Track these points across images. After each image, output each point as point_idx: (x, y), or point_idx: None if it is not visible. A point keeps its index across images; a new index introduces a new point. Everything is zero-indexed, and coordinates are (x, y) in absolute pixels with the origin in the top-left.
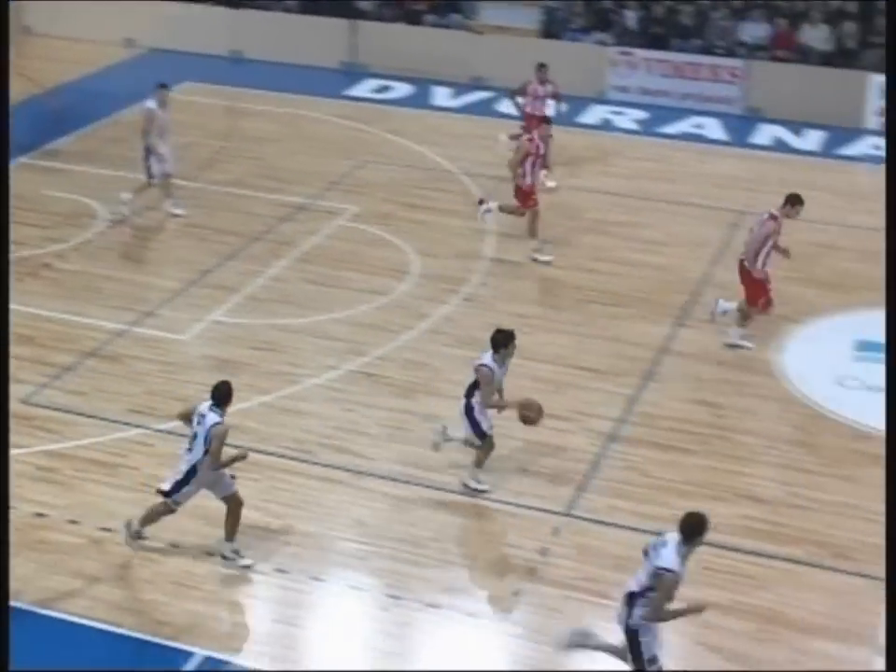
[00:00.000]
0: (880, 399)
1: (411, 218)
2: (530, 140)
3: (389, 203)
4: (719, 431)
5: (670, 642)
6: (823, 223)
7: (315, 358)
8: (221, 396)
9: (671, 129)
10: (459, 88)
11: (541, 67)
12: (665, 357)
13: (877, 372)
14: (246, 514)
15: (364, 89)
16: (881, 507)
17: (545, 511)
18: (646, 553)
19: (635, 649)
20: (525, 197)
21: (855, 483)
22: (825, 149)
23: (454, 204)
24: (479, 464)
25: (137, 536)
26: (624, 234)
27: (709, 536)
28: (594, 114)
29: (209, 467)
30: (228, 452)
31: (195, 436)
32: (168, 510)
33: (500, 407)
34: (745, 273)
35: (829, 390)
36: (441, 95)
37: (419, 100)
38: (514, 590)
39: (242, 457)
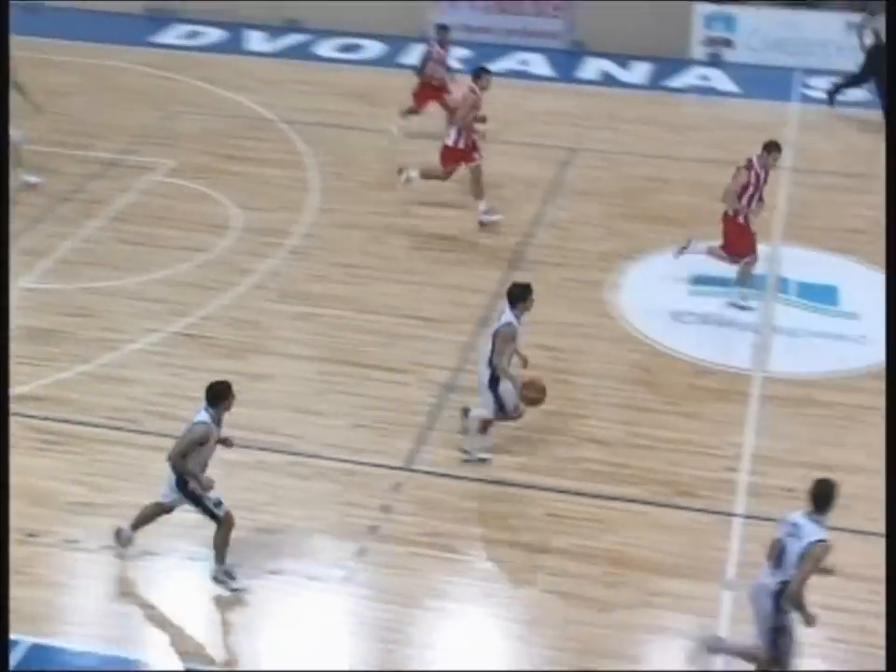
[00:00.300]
0: (717, 333)
1: (229, 170)
2: (472, 91)
3: (206, 154)
4: (557, 374)
5: (518, 592)
6: (654, 157)
7: (134, 322)
8: (215, 396)
9: (496, 66)
10: (273, 31)
11: (442, 30)
12: (501, 302)
13: (713, 306)
14: (70, 490)
15: (172, 35)
16: (723, 441)
17: (385, 466)
18: (782, 550)
19: (783, 645)
20: (450, 158)
21: (696, 419)
22: (652, 82)
23: (274, 153)
24: (484, 429)
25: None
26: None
27: (552, 481)
28: (416, 53)
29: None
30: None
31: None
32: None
33: (508, 378)
34: (729, 223)
35: (666, 327)
36: (255, 40)
37: (231, 45)
38: (358, 550)
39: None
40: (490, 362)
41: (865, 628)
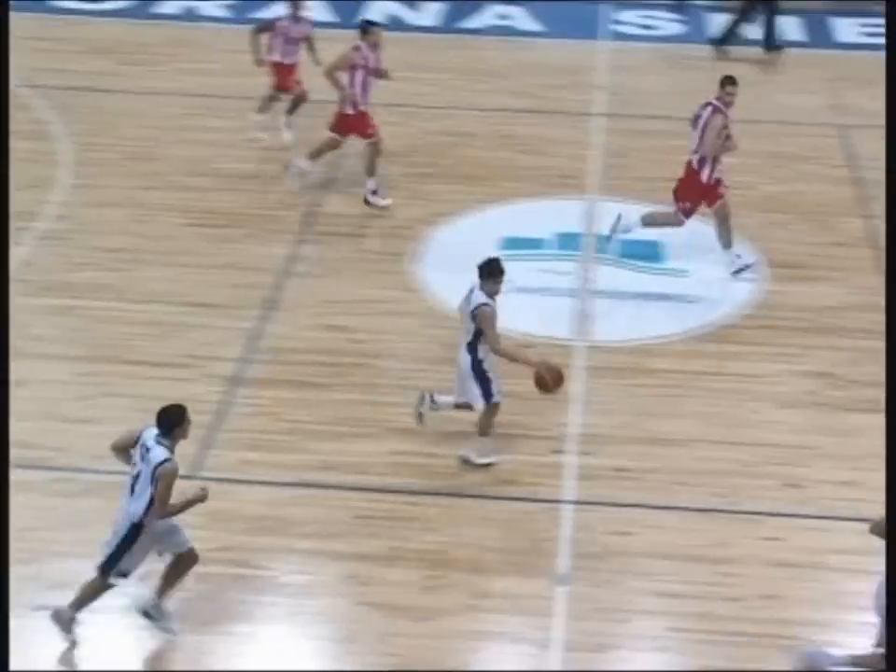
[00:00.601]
0: (534, 302)
1: None
2: (356, 49)
3: None
4: (357, 359)
5: (329, 607)
6: (453, 108)
7: None
8: (169, 423)
9: (263, 13)
10: None
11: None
12: (288, 281)
13: (526, 272)
14: None
15: None
16: (548, 421)
17: None
18: None
19: None
20: (358, 124)
21: (517, 398)
22: (445, 24)
23: (15, 123)
24: (484, 431)
25: (71, 622)
26: (223, 141)
27: (359, 479)
28: (171, 4)
29: (156, 516)
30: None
31: (137, 476)
32: (107, 586)
33: (515, 359)
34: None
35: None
36: None
37: None
38: (141, 574)
39: (200, 499)
40: (468, 348)
41: (711, 614)
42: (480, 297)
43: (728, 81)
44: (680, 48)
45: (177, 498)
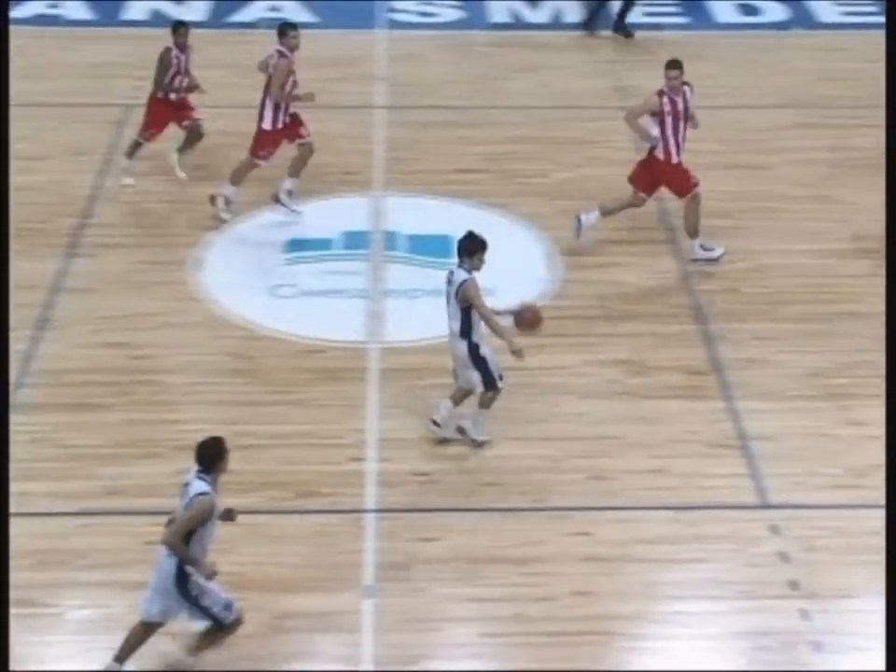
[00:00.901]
0: (321, 305)
1: None
2: (283, 55)
3: None
4: (139, 376)
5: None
6: (227, 107)
7: None
8: (209, 457)
9: (21, 13)
10: None
11: (179, 28)
12: (60, 298)
13: (314, 274)
14: None
15: None
16: (344, 428)
17: None
18: None
19: None
20: (268, 143)
21: (311, 406)
22: (214, 18)
23: None
24: (485, 404)
25: None
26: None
27: (146, 503)
28: None
29: (165, 540)
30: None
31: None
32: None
33: (501, 337)
34: (658, 165)
35: (263, 304)
36: None
37: None
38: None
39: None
40: (464, 335)
41: (523, 616)
42: (461, 274)
43: (669, 66)
44: (461, 34)
45: None
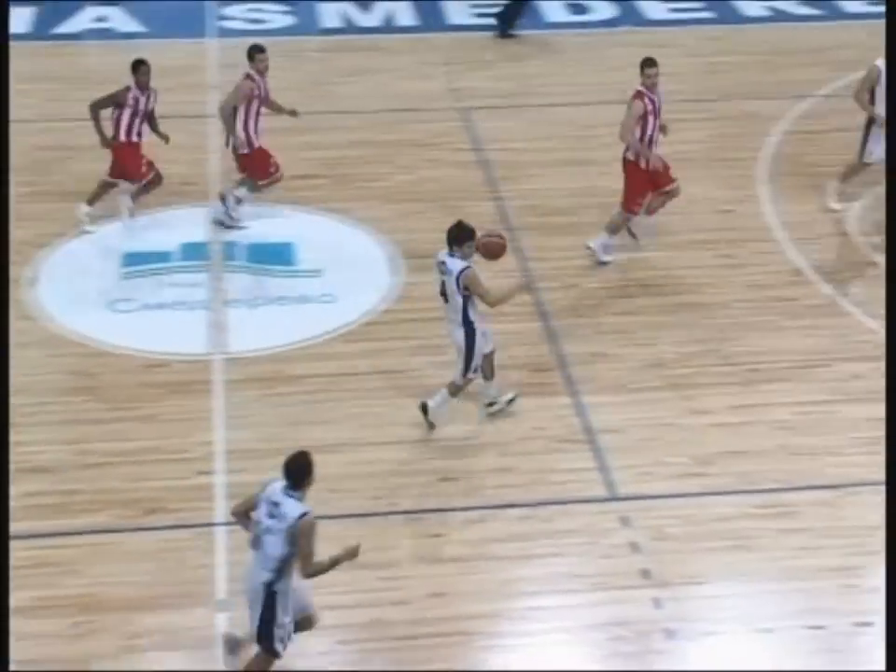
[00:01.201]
0: (162, 318)
1: None
2: (249, 77)
3: None
4: None
5: None
6: (58, 120)
7: None
8: (300, 472)
9: None
10: None
11: (140, 66)
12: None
13: (154, 287)
14: None
15: None
16: (190, 442)
17: None
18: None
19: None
20: (258, 164)
21: (155, 422)
22: (37, 29)
23: None
24: (454, 393)
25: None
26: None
27: None
28: None
29: (304, 574)
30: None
31: (264, 535)
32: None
33: (509, 297)
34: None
35: (102, 319)
36: None
37: None
38: None
39: (351, 556)
40: (462, 321)
41: (380, 621)
42: (458, 263)
43: (645, 64)
44: (292, 41)
45: None
